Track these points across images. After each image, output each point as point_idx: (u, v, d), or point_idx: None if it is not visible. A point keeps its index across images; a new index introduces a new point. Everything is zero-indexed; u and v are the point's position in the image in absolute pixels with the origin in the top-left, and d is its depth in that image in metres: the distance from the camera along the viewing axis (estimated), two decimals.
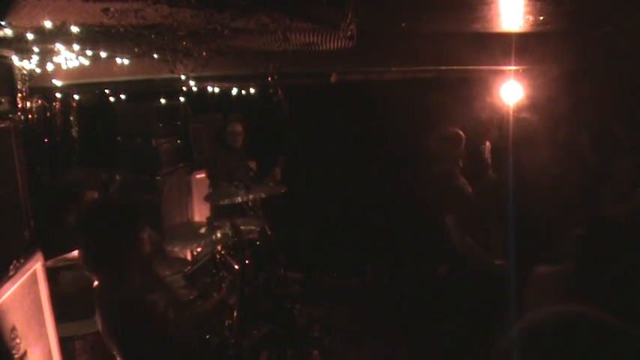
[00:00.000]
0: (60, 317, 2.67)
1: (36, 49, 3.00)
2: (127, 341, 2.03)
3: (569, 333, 0.90)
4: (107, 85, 4.92)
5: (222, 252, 3.52)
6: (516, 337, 0.95)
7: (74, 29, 2.57)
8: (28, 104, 4.14)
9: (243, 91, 5.92)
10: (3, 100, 2.54)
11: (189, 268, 3.52)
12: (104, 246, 2.10)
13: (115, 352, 2.07)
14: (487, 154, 4.05)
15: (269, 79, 4.01)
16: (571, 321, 0.92)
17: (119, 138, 5.20)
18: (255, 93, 5.94)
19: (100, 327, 2.12)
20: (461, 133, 3.84)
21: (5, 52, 2.84)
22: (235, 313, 2.76)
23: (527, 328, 0.94)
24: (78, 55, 3.24)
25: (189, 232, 3.64)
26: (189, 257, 4.48)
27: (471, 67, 4.16)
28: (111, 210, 2.22)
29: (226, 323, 2.96)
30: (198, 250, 4.06)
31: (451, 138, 3.83)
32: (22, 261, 2.36)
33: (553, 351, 0.89)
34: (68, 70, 3.51)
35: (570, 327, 0.91)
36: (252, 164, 5.57)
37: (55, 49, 3.01)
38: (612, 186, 3.27)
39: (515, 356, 0.93)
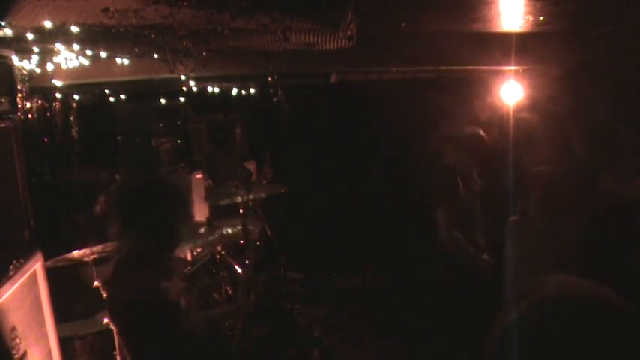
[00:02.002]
0: (62, 317, 2.67)
1: (36, 49, 2.99)
2: (137, 324, 2.02)
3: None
4: (107, 85, 4.92)
5: (222, 252, 3.52)
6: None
7: (74, 29, 2.57)
8: (28, 104, 4.14)
9: (243, 91, 5.92)
10: (3, 100, 2.55)
11: (189, 268, 3.52)
12: (144, 225, 2.09)
13: (121, 337, 2.06)
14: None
15: (269, 79, 4.01)
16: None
17: (119, 138, 5.20)
18: (255, 93, 5.94)
19: (109, 312, 2.11)
20: (478, 134, 3.87)
21: (5, 52, 2.85)
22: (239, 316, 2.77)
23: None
24: (78, 55, 3.24)
25: (189, 232, 3.64)
26: (189, 257, 4.47)
27: (471, 67, 4.17)
28: (164, 189, 2.21)
29: (226, 324, 2.97)
30: (198, 250, 4.06)
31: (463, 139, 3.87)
32: (22, 261, 2.36)
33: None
34: (68, 70, 3.51)
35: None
36: (252, 165, 5.56)
37: (55, 49, 3.01)
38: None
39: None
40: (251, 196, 3.92)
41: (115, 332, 2.67)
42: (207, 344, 2.37)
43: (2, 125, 2.46)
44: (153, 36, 2.79)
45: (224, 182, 4.56)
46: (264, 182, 4.81)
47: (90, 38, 2.79)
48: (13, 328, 2.16)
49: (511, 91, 4.01)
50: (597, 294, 0.93)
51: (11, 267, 2.27)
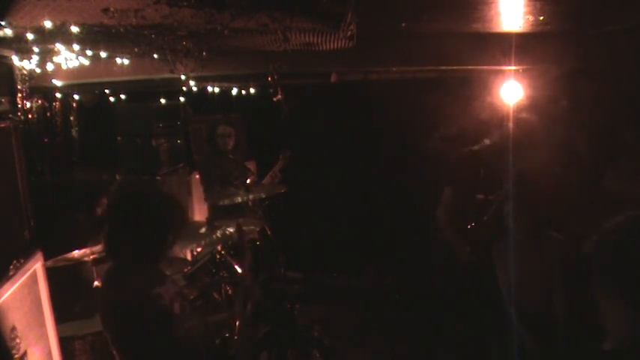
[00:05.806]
0: (62, 317, 2.67)
1: (36, 49, 2.99)
2: (128, 333, 2.01)
3: None
4: (107, 85, 4.92)
5: (222, 252, 3.52)
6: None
7: (74, 29, 2.57)
8: (28, 104, 4.13)
9: (243, 91, 5.92)
10: (3, 100, 2.56)
11: (189, 268, 3.52)
12: (132, 232, 2.07)
13: (113, 346, 2.04)
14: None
15: (269, 79, 4.01)
16: None
17: (119, 138, 5.21)
18: (255, 93, 5.94)
19: (100, 320, 2.09)
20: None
21: (5, 52, 2.85)
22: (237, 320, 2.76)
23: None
24: (78, 55, 3.24)
25: (189, 232, 3.63)
26: (189, 257, 4.47)
27: (471, 67, 4.16)
28: (152, 198, 2.19)
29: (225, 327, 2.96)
30: (198, 250, 4.05)
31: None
32: (22, 261, 2.36)
33: None
34: (68, 70, 3.51)
35: None
36: (252, 165, 5.55)
37: (55, 49, 3.01)
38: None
39: None
40: (251, 196, 3.92)
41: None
42: (204, 349, 2.36)
43: (2, 125, 2.46)
44: (153, 36, 2.79)
45: (214, 186, 4.55)
46: (276, 177, 4.82)
47: (90, 38, 2.79)
48: (13, 328, 2.16)
49: (511, 91, 4.01)
50: None
51: (11, 267, 2.27)
